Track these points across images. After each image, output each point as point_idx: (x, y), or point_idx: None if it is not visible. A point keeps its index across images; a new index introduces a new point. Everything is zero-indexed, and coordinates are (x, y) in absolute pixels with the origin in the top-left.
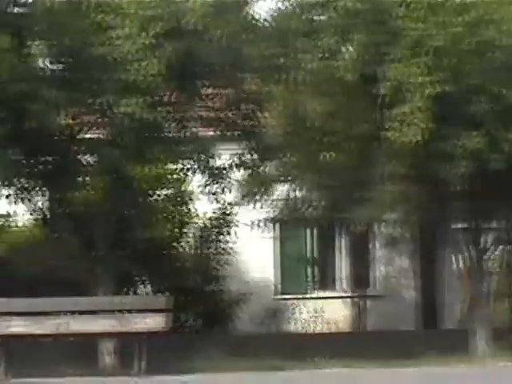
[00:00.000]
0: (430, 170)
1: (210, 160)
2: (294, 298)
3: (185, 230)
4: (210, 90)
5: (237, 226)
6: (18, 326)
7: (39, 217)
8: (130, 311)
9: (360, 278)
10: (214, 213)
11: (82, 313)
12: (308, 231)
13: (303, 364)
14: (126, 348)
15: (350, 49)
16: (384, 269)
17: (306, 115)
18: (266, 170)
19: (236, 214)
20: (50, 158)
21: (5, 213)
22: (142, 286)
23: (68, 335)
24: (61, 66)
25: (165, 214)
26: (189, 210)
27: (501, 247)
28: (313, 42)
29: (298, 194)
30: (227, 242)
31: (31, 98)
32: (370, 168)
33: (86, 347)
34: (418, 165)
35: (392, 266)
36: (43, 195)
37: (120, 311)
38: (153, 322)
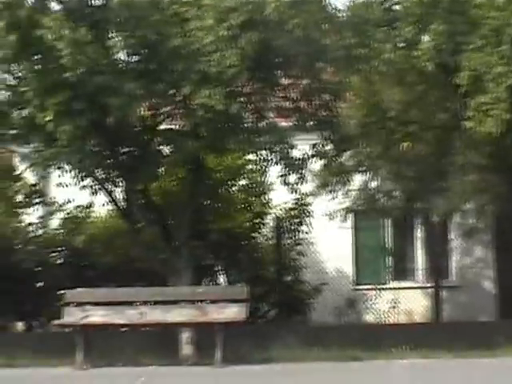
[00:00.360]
0: (509, 161)
1: (290, 150)
2: (371, 289)
3: (262, 221)
4: (287, 81)
5: (313, 216)
6: (98, 316)
7: (118, 208)
8: (210, 301)
9: (437, 269)
10: (290, 203)
11: (161, 303)
12: (385, 221)
13: (381, 354)
14: (203, 338)
15: (429, 38)
16: (461, 259)
17: (383, 105)
18: (343, 160)
19: (312, 205)
20: (129, 149)
21: (84, 204)
22: (219, 277)
23: (148, 325)
24: (140, 58)
25: (242, 205)
26: (266, 200)
27: None
28: (391, 31)
29: (374, 184)
30: (304, 232)
31: (111, 90)
32: (449, 158)
33: (164, 337)
34: (497, 155)
35: (469, 257)
36: (122, 186)
37: (199, 301)
38: (231, 312)
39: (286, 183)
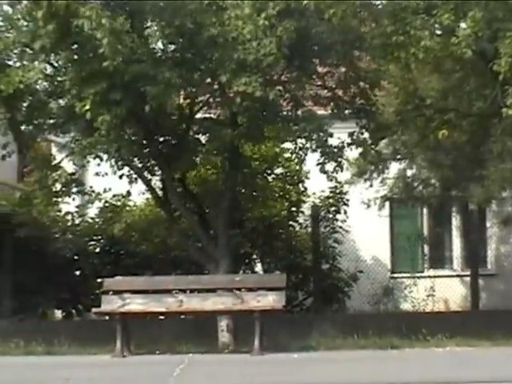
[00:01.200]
0: None
1: (327, 138)
2: (408, 277)
3: (298, 209)
4: (323, 69)
5: (348, 205)
6: (136, 304)
7: (155, 196)
8: (247, 289)
9: (473, 257)
10: (327, 192)
11: (199, 291)
12: (422, 209)
13: (418, 343)
14: (241, 326)
15: (467, 25)
16: (498, 247)
17: (420, 93)
18: (379, 148)
19: (349, 193)
20: (166, 138)
21: (122, 193)
22: (256, 265)
23: (186, 313)
24: (177, 47)
25: (279, 193)
26: (303, 188)
27: None
28: (429, 18)
29: (411, 172)
30: (340, 220)
31: (148, 79)
32: (486, 145)
33: (202, 325)
34: None
35: (507, 245)
36: (159, 175)
37: (237, 289)
38: (269, 300)
39: (323, 171)
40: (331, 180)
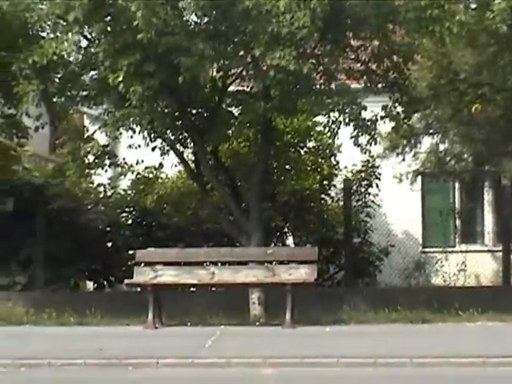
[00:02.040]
0: None
1: (361, 112)
2: (439, 252)
3: (330, 183)
4: (357, 42)
5: (380, 179)
6: (168, 276)
7: (188, 169)
8: (279, 262)
9: (505, 232)
10: (359, 166)
11: (231, 263)
12: (453, 184)
13: (449, 317)
14: (272, 299)
15: None
16: None
17: (454, 67)
18: (412, 122)
19: (381, 167)
20: (199, 111)
21: (154, 165)
22: (287, 238)
23: (217, 285)
24: (210, 19)
25: (311, 167)
26: (336, 162)
27: None
28: None
29: (444, 146)
30: (372, 194)
31: (182, 51)
32: None
33: (233, 298)
34: None
35: None
36: (192, 147)
37: (269, 262)
38: (301, 273)
39: (357, 144)
40: (365, 153)
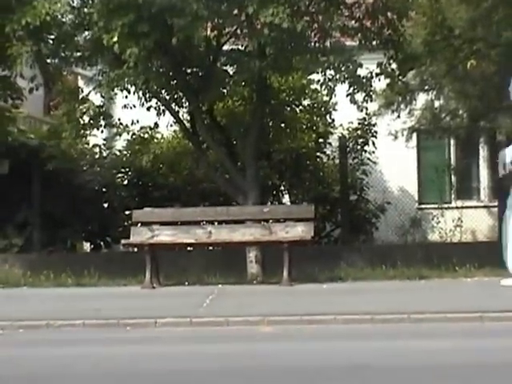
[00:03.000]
0: None
1: (357, 69)
2: (435, 208)
3: (326, 141)
4: None
5: (376, 136)
6: (165, 235)
7: (183, 128)
8: (276, 220)
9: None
10: (355, 123)
11: (228, 222)
12: (449, 140)
13: (446, 273)
14: (269, 257)
15: None
16: None
17: (448, 23)
18: (407, 79)
19: (376, 124)
20: (193, 70)
21: (149, 125)
22: (284, 196)
23: (214, 244)
24: None
25: (306, 125)
26: (332, 120)
27: None
28: None
29: (439, 103)
30: (368, 152)
31: (176, 11)
32: None
33: (230, 256)
34: None
35: None
36: (187, 107)
37: (265, 220)
38: (297, 231)
39: (353, 102)
40: (361, 110)
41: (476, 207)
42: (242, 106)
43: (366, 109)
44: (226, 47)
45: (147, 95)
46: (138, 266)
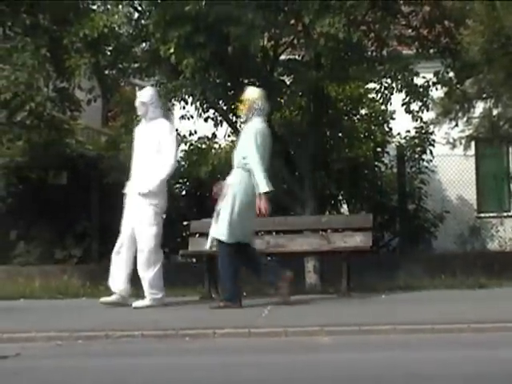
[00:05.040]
0: None
1: (413, 78)
2: (494, 216)
3: (384, 150)
4: (408, 8)
5: (434, 145)
6: None
7: None
8: (334, 230)
9: None
10: (412, 132)
11: (286, 232)
12: (508, 148)
13: (506, 282)
14: (328, 267)
15: None
16: None
17: (507, 31)
18: (465, 87)
19: (434, 133)
20: (250, 80)
21: (207, 135)
22: (342, 206)
23: (275, 253)
24: None
25: (364, 134)
26: (389, 129)
27: None
28: None
29: (497, 111)
30: (426, 160)
31: (232, 20)
32: None
33: (288, 266)
34: None
35: None
36: None
37: (323, 230)
38: (356, 241)
39: (408, 111)
40: (416, 120)
41: None
42: (299, 115)
43: (421, 118)
44: (282, 57)
45: (204, 106)
46: (197, 276)
